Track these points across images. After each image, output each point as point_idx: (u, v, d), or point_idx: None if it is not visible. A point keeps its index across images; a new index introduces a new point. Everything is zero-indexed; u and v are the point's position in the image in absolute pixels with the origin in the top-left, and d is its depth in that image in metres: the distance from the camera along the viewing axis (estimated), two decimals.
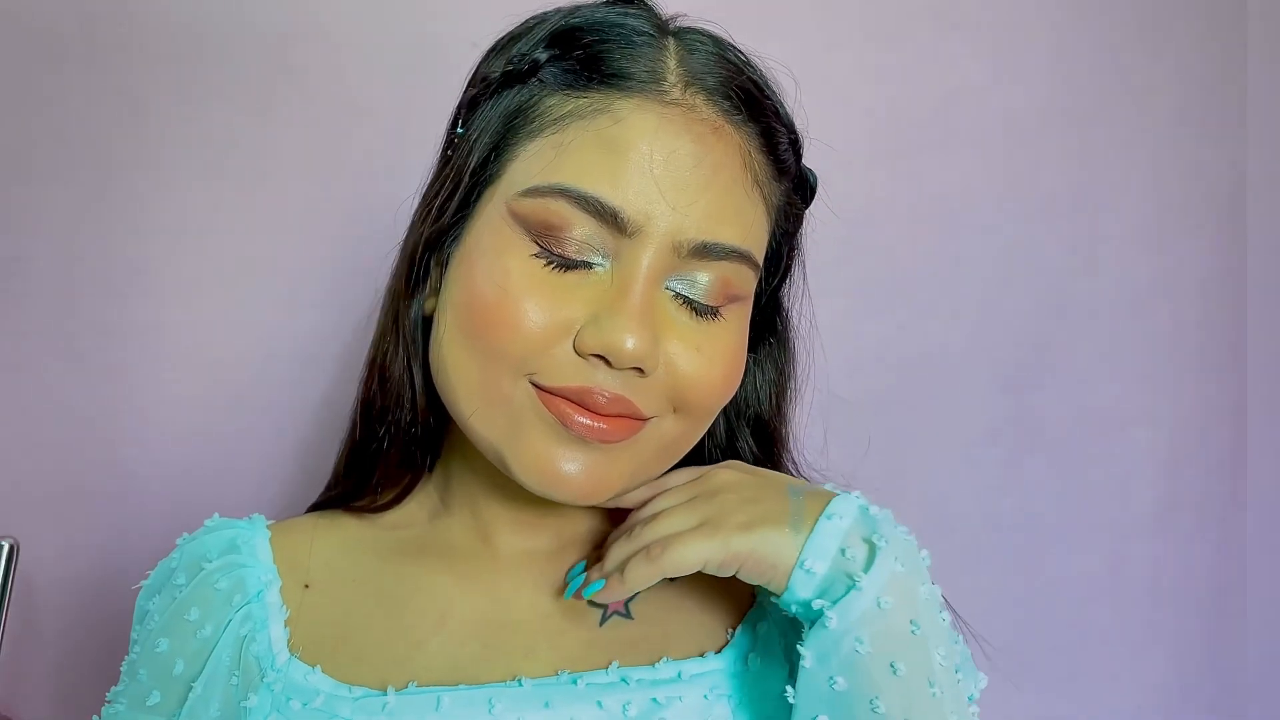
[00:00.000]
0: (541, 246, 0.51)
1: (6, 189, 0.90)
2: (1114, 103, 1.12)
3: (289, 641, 0.56)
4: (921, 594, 0.50)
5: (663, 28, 0.55)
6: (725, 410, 0.60)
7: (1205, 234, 1.15)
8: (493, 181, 0.54)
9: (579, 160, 0.51)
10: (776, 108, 0.57)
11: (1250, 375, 1.15)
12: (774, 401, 0.64)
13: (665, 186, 0.51)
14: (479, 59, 0.59)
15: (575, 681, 0.54)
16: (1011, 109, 1.09)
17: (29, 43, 0.90)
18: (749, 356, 0.60)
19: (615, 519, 0.60)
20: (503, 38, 0.58)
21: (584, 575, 0.57)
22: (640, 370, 0.51)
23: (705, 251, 0.52)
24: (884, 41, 1.07)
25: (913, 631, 0.49)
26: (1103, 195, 1.11)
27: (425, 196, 0.58)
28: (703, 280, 0.53)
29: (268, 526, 0.62)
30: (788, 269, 0.63)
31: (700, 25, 0.57)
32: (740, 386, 0.59)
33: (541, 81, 0.54)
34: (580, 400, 0.51)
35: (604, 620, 0.58)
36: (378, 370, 0.59)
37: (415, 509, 0.63)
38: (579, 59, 0.53)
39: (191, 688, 0.55)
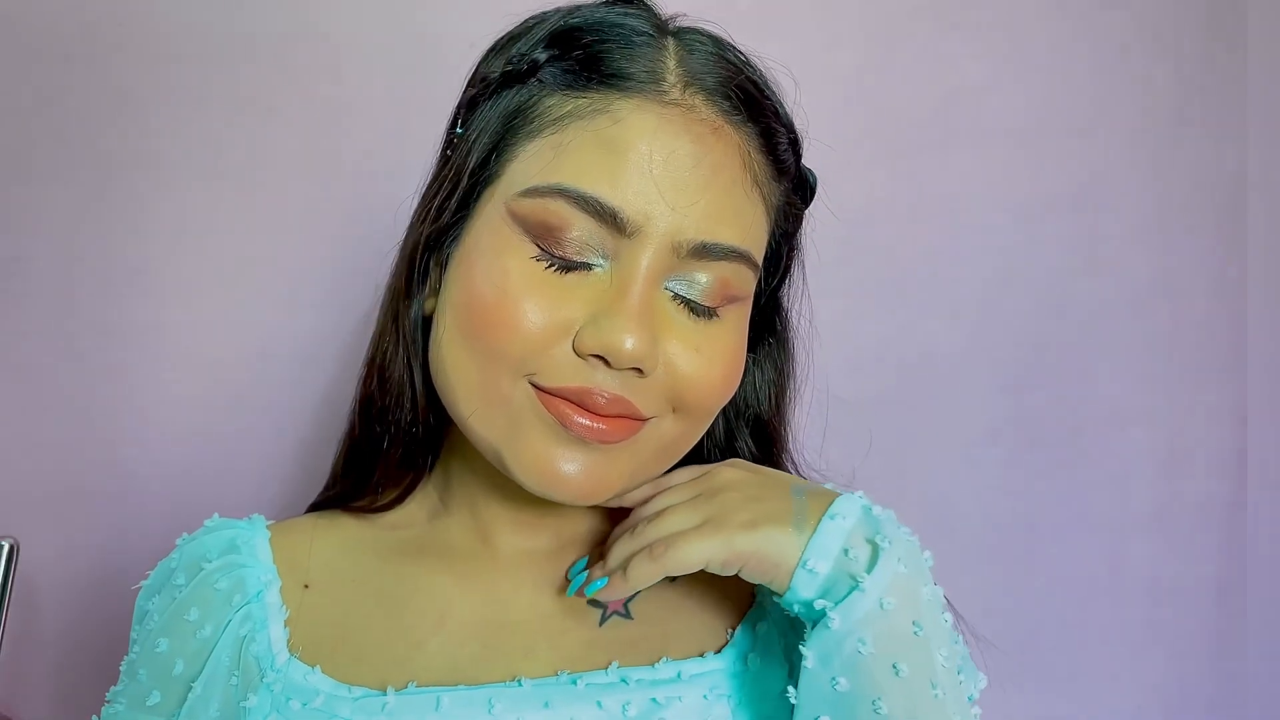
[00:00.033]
0: (541, 249, 0.51)
1: (6, 189, 0.90)
2: (1114, 102, 1.12)
3: (289, 641, 0.56)
4: (924, 595, 0.50)
5: (662, 28, 0.55)
6: (725, 410, 0.60)
7: (1205, 234, 1.14)
8: (492, 182, 0.54)
9: (578, 160, 0.51)
10: (776, 108, 0.57)
11: (1250, 375, 1.15)
12: (773, 401, 0.64)
13: (664, 187, 0.51)
14: (478, 59, 0.59)
15: (575, 682, 0.54)
16: (1011, 109, 1.09)
17: (29, 43, 0.90)
18: (748, 357, 0.60)
19: (615, 519, 0.60)
20: (502, 38, 0.58)
21: (586, 573, 0.57)
22: (639, 371, 0.51)
23: (704, 252, 0.52)
24: (884, 41, 1.07)
25: (915, 632, 0.49)
26: (1103, 195, 1.11)
27: (425, 196, 0.58)
28: (702, 280, 0.53)
29: (267, 527, 0.62)
30: (787, 269, 0.63)
31: (700, 25, 0.57)
32: (740, 386, 0.59)
33: (541, 82, 0.54)
34: (579, 401, 0.51)
35: (604, 620, 0.58)
36: (377, 370, 0.59)
37: (415, 509, 0.63)
38: (578, 59, 0.53)
39: (191, 688, 0.55)
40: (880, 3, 1.07)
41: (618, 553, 0.54)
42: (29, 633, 0.89)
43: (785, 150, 0.57)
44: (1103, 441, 1.11)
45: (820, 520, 0.51)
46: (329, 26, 0.95)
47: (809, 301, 0.66)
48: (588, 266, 0.52)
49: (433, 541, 0.61)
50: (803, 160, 0.60)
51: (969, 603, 0.58)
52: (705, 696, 0.54)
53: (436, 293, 0.56)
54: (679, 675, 0.55)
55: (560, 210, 0.51)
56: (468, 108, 0.57)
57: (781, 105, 0.58)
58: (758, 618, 0.59)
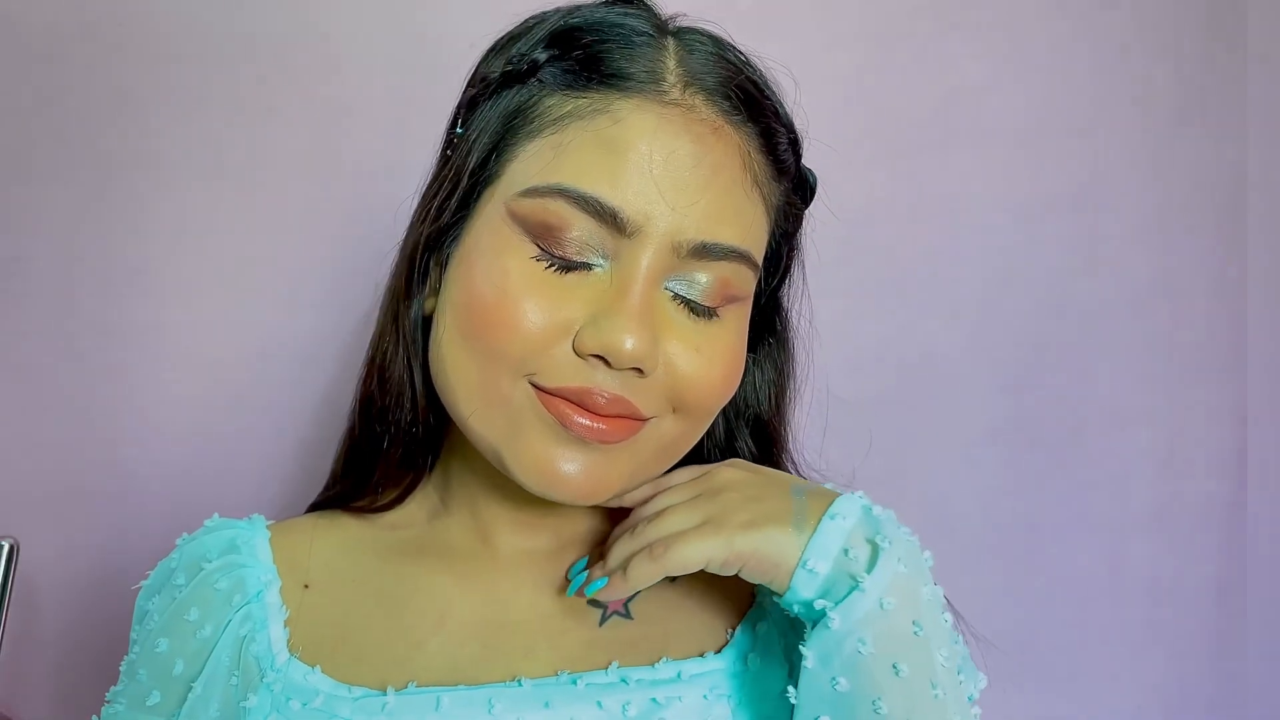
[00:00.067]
0: (541, 249, 0.51)
1: (6, 189, 0.90)
2: (1114, 102, 1.12)
3: (289, 641, 0.56)
4: (924, 595, 0.50)
5: (662, 28, 0.55)
6: (724, 410, 0.60)
7: (1205, 234, 1.14)
8: (492, 182, 0.54)
9: (578, 160, 0.51)
10: (776, 108, 0.57)
11: (1250, 375, 1.15)
12: (773, 401, 0.64)
13: (664, 187, 0.51)
14: (478, 59, 0.59)
15: (575, 682, 0.54)
16: (1011, 109, 1.09)
17: (29, 43, 0.90)
18: (748, 357, 0.60)
19: (615, 519, 0.60)
20: (502, 38, 0.58)
21: (586, 573, 0.57)
22: (639, 371, 0.51)
23: (704, 252, 0.52)
24: (884, 41, 1.07)
25: (915, 633, 0.49)
26: (1103, 195, 1.11)
27: (425, 196, 0.58)
28: (702, 280, 0.53)
29: (267, 527, 0.62)
30: (787, 269, 0.63)
31: (700, 25, 0.57)
32: (740, 386, 0.59)
33: (541, 82, 0.54)
34: (579, 401, 0.51)
35: (604, 620, 0.58)
36: (377, 370, 0.59)
37: (415, 509, 0.63)
38: (578, 59, 0.53)
39: (191, 688, 0.55)
40: (880, 3, 1.07)
41: (618, 553, 0.54)
42: (29, 633, 0.89)
43: (785, 150, 0.57)
44: (1103, 441, 1.11)
45: (820, 520, 0.51)
46: (329, 27, 0.95)
47: (809, 301, 0.66)
48: (588, 266, 0.51)
49: (433, 541, 0.61)
50: (803, 160, 0.60)
51: (969, 603, 0.58)
52: (705, 696, 0.54)
53: (436, 293, 0.56)
54: (679, 675, 0.55)
55: (560, 210, 0.51)
56: (468, 108, 0.57)
57: (781, 105, 0.58)
58: (757, 618, 0.59)
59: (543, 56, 0.54)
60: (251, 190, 0.94)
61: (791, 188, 0.59)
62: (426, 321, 0.57)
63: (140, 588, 0.61)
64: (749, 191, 0.54)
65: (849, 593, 0.49)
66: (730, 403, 0.59)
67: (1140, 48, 1.12)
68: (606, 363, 0.51)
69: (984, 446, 1.08)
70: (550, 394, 0.51)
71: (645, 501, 0.57)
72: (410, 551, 0.61)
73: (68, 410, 0.91)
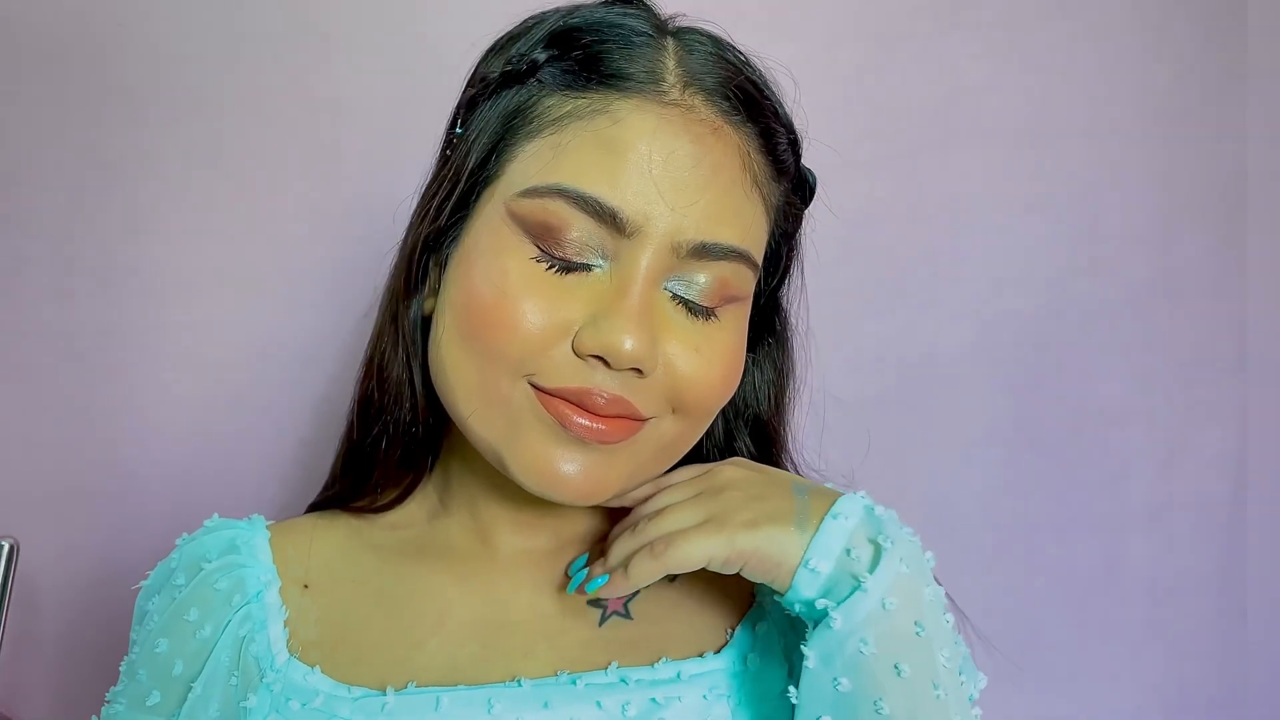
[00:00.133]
0: (541, 249, 0.51)
1: (6, 189, 0.90)
2: (1114, 102, 1.12)
3: (288, 642, 0.56)
4: (926, 595, 0.50)
5: (661, 28, 0.55)
6: (724, 410, 0.60)
7: (1205, 234, 1.14)
8: (491, 182, 0.54)
9: (577, 161, 0.51)
10: (775, 108, 0.57)
11: (1250, 375, 1.15)
12: (773, 402, 0.64)
13: (664, 187, 0.51)
14: (478, 59, 0.59)
15: (574, 682, 0.54)
16: (1012, 109, 1.09)
17: (29, 42, 0.90)
18: (748, 357, 0.60)
19: (615, 519, 0.60)
20: (501, 38, 0.58)
21: (586, 570, 0.57)
22: (639, 371, 0.51)
23: (704, 252, 0.52)
24: (884, 41, 1.07)
25: (917, 633, 0.49)
26: (1103, 195, 1.11)
27: (424, 196, 0.58)
28: (701, 280, 0.53)
29: (267, 527, 0.62)
30: (787, 269, 0.63)
31: (699, 25, 0.57)
32: (739, 387, 0.59)
33: (540, 82, 0.54)
34: (579, 401, 0.51)
35: (603, 620, 0.58)
36: (376, 370, 0.59)
37: (414, 509, 0.63)
38: (578, 59, 0.53)
39: (191, 688, 0.55)
40: (880, 3, 1.07)
41: (618, 550, 0.54)
42: (29, 633, 0.89)
43: (785, 150, 0.57)
44: (1103, 441, 1.11)
45: (823, 520, 0.51)
46: (329, 27, 0.95)
47: (809, 302, 0.66)
48: (587, 267, 0.51)
49: (432, 542, 0.61)
50: (802, 160, 0.60)
51: (969, 603, 0.58)
52: (705, 696, 0.54)
53: (436, 293, 0.56)
54: (678, 675, 0.55)
55: (559, 210, 0.51)
56: (467, 108, 0.57)
57: (781, 105, 0.58)
58: (757, 618, 0.59)
59: (542, 57, 0.54)
60: (251, 190, 0.94)
61: (791, 188, 0.59)
62: (426, 322, 0.57)
63: (140, 588, 0.61)
64: (748, 192, 0.54)
65: (851, 592, 0.49)
66: (730, 403, 0.59)
67: (1140, 48, 1.12)
68: (606, 363, 0.51)
69: (984, 446, 1.08)
70: (549, 394, 0.51)
71: (646, 500, 0.57)
72: (410, 552, 0.61)
73: (68, 410, 0.91)
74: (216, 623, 0.56)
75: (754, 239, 0.55)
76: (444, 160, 0.58)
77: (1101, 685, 1.10)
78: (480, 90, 0.56)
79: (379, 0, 0.96)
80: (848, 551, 0.50)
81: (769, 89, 0.57)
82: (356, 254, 0.91)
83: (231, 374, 0.93)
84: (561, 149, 0.52)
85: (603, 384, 0.51)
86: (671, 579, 0.60)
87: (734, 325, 0.55)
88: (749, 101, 0.54)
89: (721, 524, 0.51)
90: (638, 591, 0.58)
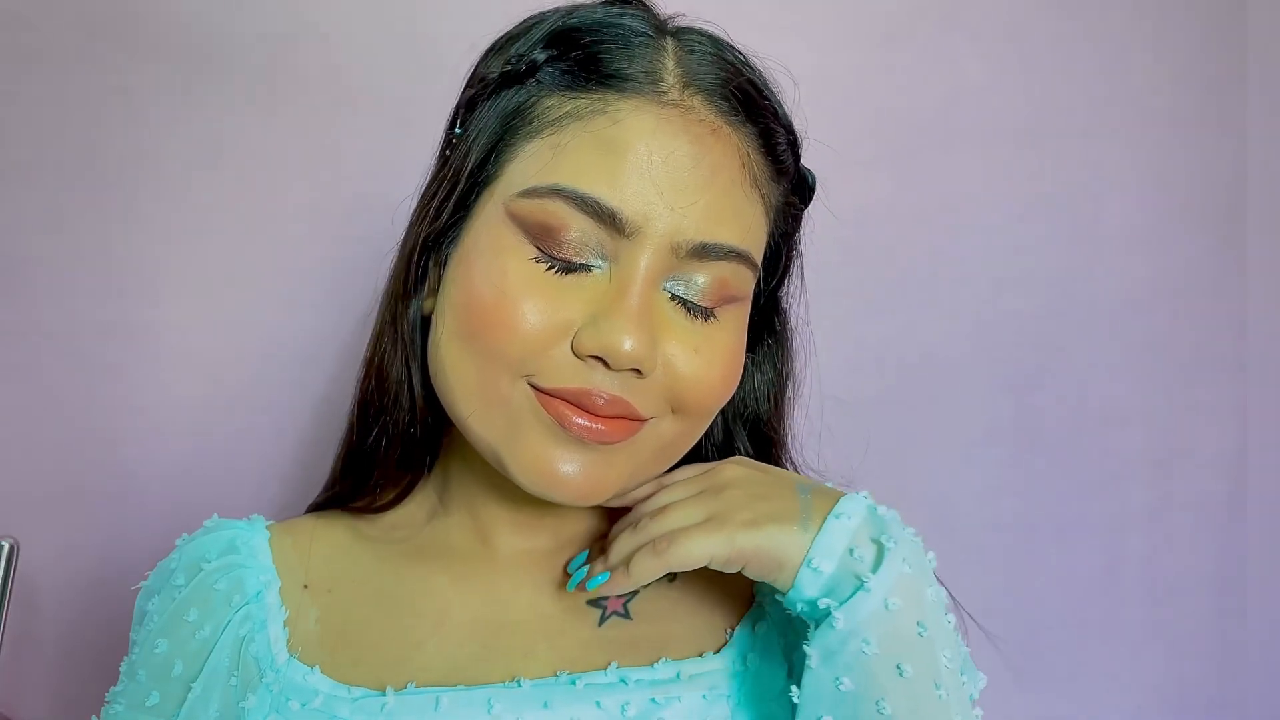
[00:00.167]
0: (540, 250, 0.51)
1: (6, 189, 0.90)
2: (1114, 103, 1.12)
3: (288, 642, 0.56)
4: (928, 596, 0.50)
5: (661, 28, 0.55)
6: (723, 411, 0.60)
7: (1205, 234, 1.14)
8: (490, 182, 0.54)
9: (577, 161, 0.51)
10: (775, 108, 0.57)
11: (1250, 375, 1.15)
12: (772, 402, 0.64)
13: (663, 187, 0.51)
14: (477, 59, 0.59)
15: (574, 682, 0.54)
16: (1012, 109, 1.09)
17: (29, 42, 0.90)
18: (748, 357, 0.60)
19: (614, 518, 0.60)
20: (501, 38, 0.58)
21: (586, 567, 0.57)
22: (638, 371, 0.51)
23: (704, 252, 0.52)
24: (884, 42, 1.07)
25: (920, 633, 0.49)
26: (1103, 195, 1.11)
27: (423, 197, 0.58)
28: (700, 281, 0.53)
29: (267, 527, 0.62)
30: (786, 269, 0.63)
31: (699, 25, 0.57)
32: (739, 387, 0.59)
33: (539, 82, 0.54)
34: (578, 402, 0.51)
35: (603, 620, 0.58)
36: (375, 370, 0.59)
37: (414, 509, 0.63)
38: (577, 59, 0.53)
39: (190, 688, 0.55)
40: (880, 3, 1.07)
41: (620, 547, 0.54)
42: (29, 633, 0.89)
43: (784, 151, 0.57)
44: (1103, 441, 1.11)
45: (826, 519, 0.50)
46: (329, 27, 0.95)
47: (808, 302, 0.66)
48: (586, 267, 0.51)
49: (432, 542, 0.61)
50: (802, 160, 0.60)
51: (969, 603, 0.58)
52: (704, 696, 0.54)
53: (435, 293, 0.56)
54: (678, 675, 0.55)
55: (559, 211, 0.51)
56: (466, 108, 0.57)
57: (780, 106, 0.58)
58: (756, 618, 0.59)
59: (541, 57, 0.54)
60: (251, 190, 0.94)
61: (791, 188, 0.59)
62: (425, 322, 0.57)
63: (140, 588, 0.61)
64: (748, 192, 0.54)
65: (854, 592, 0.49)
66: (729, 403, 0.59)
67: (1140, 48, 1.12)
68: (605, 364, 0.51)
69: (984, 446, 1.08)
70: (549, 395, 0.51)
71: (648, 498, 0.57)
72: (409, 552, 0.61)
73: (68, 410, 0.91)
74: (216, 623, 0.56)
75: (753, 239, 0.55)
76: (443, 160, 0.58)
77: (1101, 685, 1.10)
78: (479, 90, 0.56)
79: (379, 0, 0.96)
80: (850, 551, 0.50)
81: (768, 89, 0.57)
82: (356, 254, 0.91)
83: (231, 374, 0.93)
84: (561, 149, 0.52)
85: (602, 384, 0.51)
86: (671, 578, 0.60)
87: (733, 325, 0.55)
88: (748, 102, 0.54)
89: (724, 522, 0.51)
90: (637, 591, 0.58)
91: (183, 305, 0.93)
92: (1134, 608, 1.12)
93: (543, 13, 0.57)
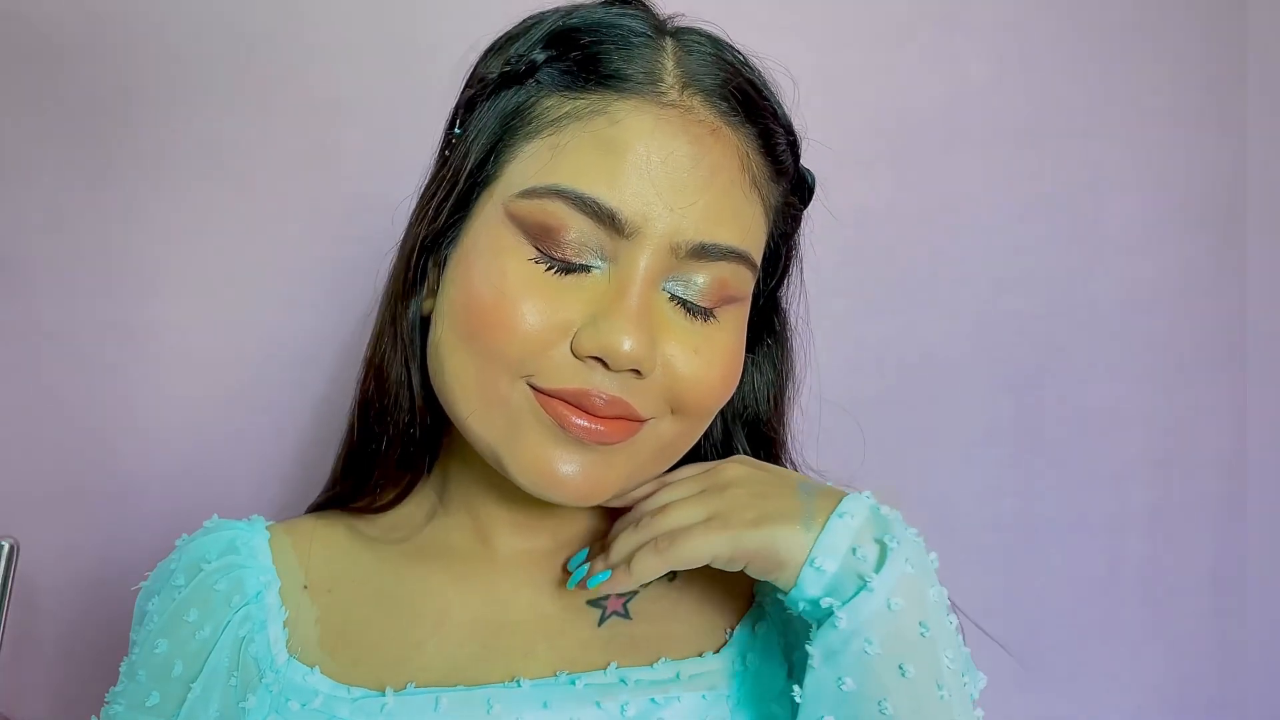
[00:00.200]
0: (540, 250, 0.51)
1: (7, 189, 0.90)
2: (1114, 103, 1.12)
3: (287, 642, 0.56)
4: (931, 596, 0.50)
5: (660, 28, 0.55)
6: (723, 411, 0.60)
7: (1205, 234, 1.14)
8: (490, 183, 0.54)
9: (576, 161, 0.51)
10: (774, 109, 0.57)
11: (1250, 375, 1.15)
12: (772, 402, 0.64)
13: (663, 188, 0.51)
14: (477, 59, 0.59)
15: (574, 682, 0.54)
16: (1012, 109, 1.09)
17: (29, 41, 0.90)
18: (747, 357, 0.60)
19: (614, 519, 0.60)
20: (500, 38, 0.58)
21: (587, 566, 0.57)
22: (637, 372, 0.51)
23: (703, 252, 0.52)
24: (885, 42, 1.07)
25: (922, 634, 0.49)
26: (1103, 195, 1.11)
27: (423, 197, 0.58)
28: (699, 281, 0.53)
29: (267, 528, 0.62)
30: (786, 269, 0.63)
31: (698, 25, 0.56)
32: (738, 387, 0.59)
33: (539, 82, 0.54)
34: (578, 402, 0.51)
35: (602, 621, 0.58)
36: (375, 371, 0.59)
37: (414, 510, 0.63)
38: (576, 60, 0.53)
39: (190, 689, 0.55)
40: (880, 3, 1.07)
41: (621, 546, 0.54)
42: (29, 633, 0.89)
43: (783, 151, 0.57)
44: (1103, 441, 1.11)
45: (829, 518, 0.50)
46: (329, 26, 0.95)
47: (808, 302, 0.66)
48: (586, 268, 0.51)
49: (431, 542, 0.61)
50: (802, 161, 0.60)
51: (969, 603, 0.58)
52: (704, 696, 0.54)
53: (435, 294, 0.56)
54: (678, 675, 0.55)
55: (558, 211, 0.51)
56: (466, 108, 0.57)
57: (780, 106, 0.58)
58: (756, 618, 0.59)
59: (541, 57, 0.54)
60: (251, 190, 0.94)
61: (790, 188, 0.59)
62: (425, 322, 0.57)
63: (140, 589, 0.61)
64: (747, 192, 0.54)
65: (857, 592, 0.49)
66: (729, 403, 0.59)
67: (1140, 48, 1.12)
68: (605, 364, 0.51)
69: (984, 446, 1.08)
70: (548, 395, 0.51)
71: (648, 497, 0.57)
72: (409, 552, 0.61)
73: (68, 410, 0.91)
74: (216, 623, 0.56)
75: (753, 240, 0.55)
76: (442, 161, 0.58)
77: (1101, 685, 1.10)
78: (479, 91, 0.56)
79: (378, 0, 0.96)
80: (853, 551, 0.50)
81: (768, 89, 0.57)
82: (356, 254, 0.91)
83: (231, 374, 0.93)
84: (560, 150, 0.52)
85: (601, 385, 0.51)
86: (671, 577, 0.60)
87: (733, 326, 0.55)
88: (748, 102, 0.54)
89: (726, 521, 0.51)
90: (636, 591, 0.58)
91: (182, 305, 0.93)
92: (1134, 608, 1.12)
93: (542, 13, 0.57)
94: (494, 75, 0.55)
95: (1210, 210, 1.15)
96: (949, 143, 1.08)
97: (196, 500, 0.90)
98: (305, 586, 0.59)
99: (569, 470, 0.52)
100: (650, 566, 0.52)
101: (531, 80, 0.54)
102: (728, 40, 0.57)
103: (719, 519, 0.52)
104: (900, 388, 1.06)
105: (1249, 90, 1.15)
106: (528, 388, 0.52)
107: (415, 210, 0.58)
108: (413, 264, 0.56)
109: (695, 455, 0.61)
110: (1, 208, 0.90)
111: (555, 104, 0.53)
